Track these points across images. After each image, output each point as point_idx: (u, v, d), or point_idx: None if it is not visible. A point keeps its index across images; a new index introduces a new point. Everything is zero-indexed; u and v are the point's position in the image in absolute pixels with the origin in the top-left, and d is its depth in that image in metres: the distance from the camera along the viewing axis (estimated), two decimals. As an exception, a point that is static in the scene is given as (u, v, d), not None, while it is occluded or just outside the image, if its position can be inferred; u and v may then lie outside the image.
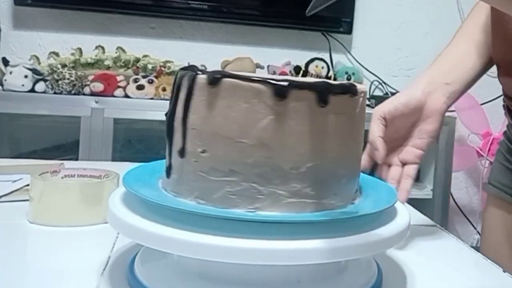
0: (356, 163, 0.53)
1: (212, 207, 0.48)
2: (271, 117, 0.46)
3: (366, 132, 0.58)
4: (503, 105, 0.89)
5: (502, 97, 0.87)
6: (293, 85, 0.47)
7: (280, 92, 0.46)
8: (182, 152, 0.49)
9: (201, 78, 0.48)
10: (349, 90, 0.49)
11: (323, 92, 0.48)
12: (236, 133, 0.47)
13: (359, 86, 0.51)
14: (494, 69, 0.82)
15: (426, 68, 0.79)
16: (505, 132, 0.93)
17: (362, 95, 0.51)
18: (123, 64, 1.97)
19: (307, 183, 0.48)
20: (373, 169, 0.73)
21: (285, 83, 0.46)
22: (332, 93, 0.48)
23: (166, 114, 0.53)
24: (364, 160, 0.72)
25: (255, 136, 0.47)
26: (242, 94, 0.47)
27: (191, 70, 0.50)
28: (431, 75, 0.76)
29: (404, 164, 0.73)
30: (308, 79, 0.49)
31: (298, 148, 0.47)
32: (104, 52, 2.00)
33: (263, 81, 0.47)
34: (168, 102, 0.53)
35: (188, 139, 0.49)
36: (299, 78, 0.49)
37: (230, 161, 0.47)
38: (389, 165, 0.73)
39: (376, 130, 0.70)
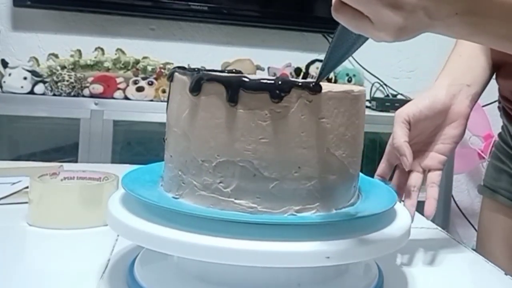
0: (311, 168, 0.48)
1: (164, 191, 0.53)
2: (189, 109, 0.49)
3: (366, 134, 0.56)
4: (498, 106, 0.89)
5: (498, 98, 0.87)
6: (205, 78, 0.48)
7: (194, 85, 0.48)
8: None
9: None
10: (266, 88, 0.46)
11: (233, 89, 0.46)
12: (173, 122, 0.52)
13: (298, 87, 0.46)
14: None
15: (440, 70, 0.77)
16: (500, 134, 0.92)
17: (303, 95, 0.46)
18: (122, 66, 1.96)
19: (219, 178, 0.48)
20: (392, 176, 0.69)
21: (200, 76, 0.48)
22: (244, 90, 0.46)
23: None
24: (384, 166, 0.69)
25: (181, 126, 0.50)
26: (178, 86, 0.51)
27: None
28: (450, 77, 0.73)
29: (426, 170, 0.70)
30: (228, 74, 0.49)
31: (210, 141, 0.48)
32: (103, 53, 1.99)
33: (188, 73, 0.49)
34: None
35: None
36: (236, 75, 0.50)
37: (170, 148, 0.52)
38: (408, 172, 0.69)
39: (401, 135, 0.66)
